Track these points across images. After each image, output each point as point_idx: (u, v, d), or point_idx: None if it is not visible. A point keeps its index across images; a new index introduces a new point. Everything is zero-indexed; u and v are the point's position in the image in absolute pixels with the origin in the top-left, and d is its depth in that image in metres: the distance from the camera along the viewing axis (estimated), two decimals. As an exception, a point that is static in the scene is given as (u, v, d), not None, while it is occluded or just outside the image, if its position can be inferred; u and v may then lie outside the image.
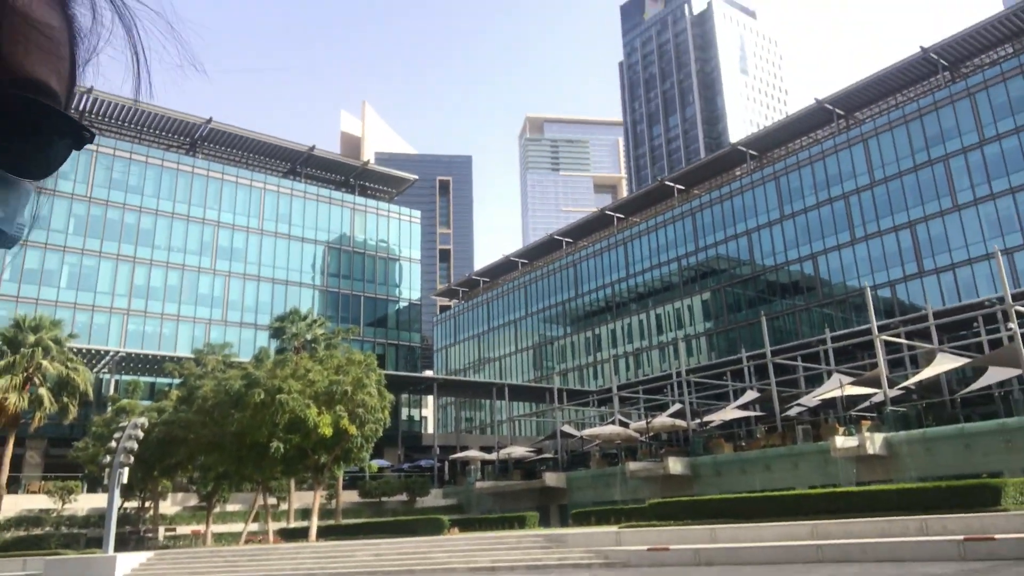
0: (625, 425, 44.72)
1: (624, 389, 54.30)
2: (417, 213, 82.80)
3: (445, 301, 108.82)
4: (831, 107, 63.85)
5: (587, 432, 47.18)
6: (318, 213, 72.78)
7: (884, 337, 34.40)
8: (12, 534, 38.68)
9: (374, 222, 76.71)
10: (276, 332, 51.91)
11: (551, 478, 42.99)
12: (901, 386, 33.71)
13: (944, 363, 31.86)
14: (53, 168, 0.82)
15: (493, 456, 49.24)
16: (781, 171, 64.61)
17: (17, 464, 49.36)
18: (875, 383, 32.56)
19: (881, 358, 32.35)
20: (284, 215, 70.53)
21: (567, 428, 50.61)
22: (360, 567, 23.98)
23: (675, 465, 34.80)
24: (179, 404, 37.68)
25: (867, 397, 34.01)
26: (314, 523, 33.24)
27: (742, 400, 40.79)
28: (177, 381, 45.06)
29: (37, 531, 40.64)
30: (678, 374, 45.25)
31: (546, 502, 42.74)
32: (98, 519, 37.65)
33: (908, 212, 55.22)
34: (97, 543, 33.20)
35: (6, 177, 0.80)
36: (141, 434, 31.56)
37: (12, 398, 40.88)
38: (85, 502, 43.63)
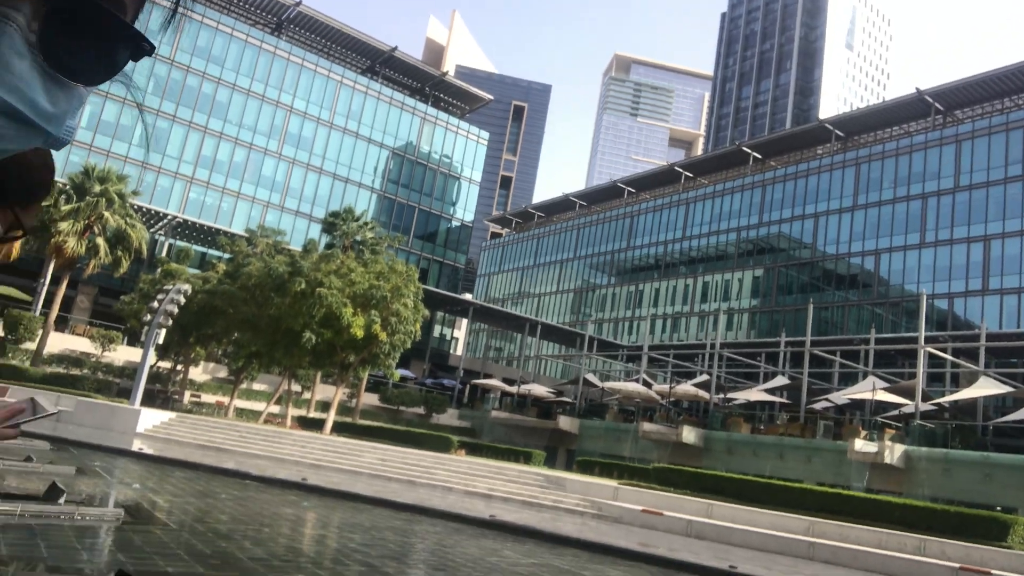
0: (648, 385, 44.77)
1: (655, 350, 54.15)
2: (486, 135, 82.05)
3: (497, 228, 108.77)
4: (931, 100, 60.54)
5: (609, 385, 47.40)
6: (388, 117, 72.64)
7: (929, 348, 33.47)
8: (53, 369, 40.87)
9: (442, 136, 76.34)
10: (328, 227, 52.69)
11: (565, 422, 43.51)
12: (935, 401, 32.91)
13: (985, 387, 30.94)
14: (108, 76, 0.82)
15: (514, 389, 49.91)
16: (864, 158, 62.00)
17: (67, 305, 51.87)
18: (909, 393, 31.85)
19: (921, 369, 31.55)
20: (355, 112, 70.57)
21: (591, 377, 50.88)
22: (364, 468, 24.80)
23: (689, 434, 34.85)
24: (224, 278, 38.75)
25: (897, 406, 33.32)
26: (331, 418, 34.36)
27: (771, 384, 40.34)
28: (227, 256, 46.27)
29: (76, 371, 42.87)
30: (712, 345, 44.84)
31: (555, 444, 43.40)
32: (132, 371, 39.40)
33: (986, 225, 52.70)
34: (127, 394, 34.87)
35: (61, 80, 0.79)
36: (183, 300, 32.64)
37: (71, 242, 42.52)
38: (123, 353, 45.75)
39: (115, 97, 58.46)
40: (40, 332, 43.86)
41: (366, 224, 52.17)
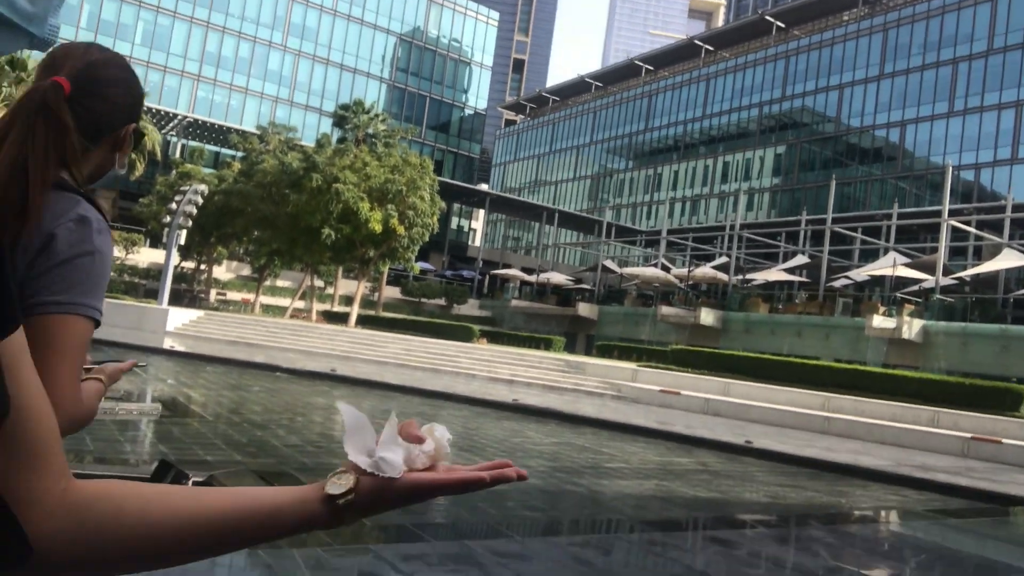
0: (667, 270, 44.91)
1: (674, 234, 53.91)
2: (496, 14, 78.97)
3: (512, 115, 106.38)
4: (966, -53, 56.66)
5: (627, 270, 47.58)
6: (393, -1, 69.85)
7: (952, 222, 33.03)
8: (81, 274, 41.66)
9: (449, 18, 73.54)
10: (339, 121, 51.88)
11: (584, 308, 44.04)
12: (956, 276, 32.81)
13: (1008, 259, 30.70)
14: None
15: (532, 278, 50.33)
16: (892, 23, 58.94)
17: (88, 210, 52.20)
18: (930, 268, 31.72)
19: (944, 243, 31.26)
20: (358, -5, 67.92)
21: (609, 263, 51.04)
22: (389, 358, 25.50)
23: (707, 316, 35.21)
24: (239, 176, 38.71)
25: (918, 281, 33.28)
26: (355, 311, 35.06)
27: (790, 263, 40.30)
28: (240, 154, 46.04)
29: (104, 275, 43.64)
30: (732, 227, 44.56)
31: (575, 330, 44.11)
32: (156, 273, 40.14)
33: (1019, 90, 50.38)
34: (154, 295, 35.67)
35: None
36: (200, 200, 32.72)
37: (83, 147, 42.41)
38: (146, 255, 46.47)
39: (113, -7, 56.60)
40: (64, 238, 44.36)
41: (377, 116, 51.25)
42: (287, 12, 64.32)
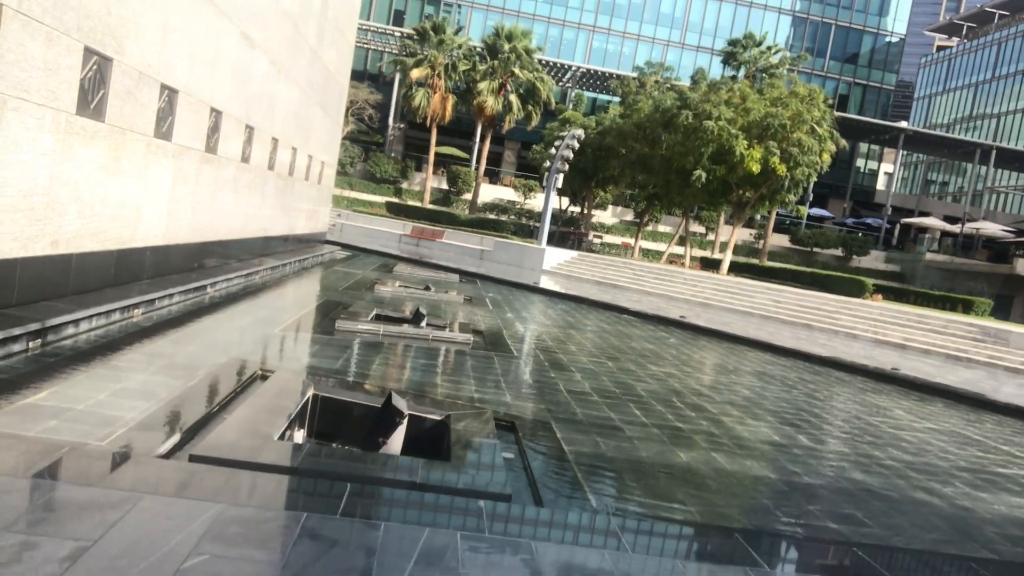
0: None
1: None
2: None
3: (943, 39, 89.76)
4: None
5: (1098, 217, 36.67)
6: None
7: None
8: (477, 215, 46.56)
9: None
10: (727, 57, 48.89)
11: (1025, 265, 35.18)
12: None
13: None
14: None
15: (956, 228, 41.91)
16: None
17: (497, 160, 57.96)
18: None
19: None
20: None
21: (1069, 208, 40.00)
22: (755, 308, 23.00)
23: None
24: (616, 118, 38.81)
25: None
26: (727, 258, 32.78)
27: None
28: (617, 99, 46.39)
29: (503, 217, 48.28)
30: None
31: (1010, 292, 35.49)
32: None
33: None
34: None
35: None
36: (577, 145, 33.36)
37: (490, 101, 46.60)
38: (541, 200, 49.84)
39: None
40: (473, 185, 50.05)
41: (769, 48, 46.95)
42: (685, -49, 62.33)
